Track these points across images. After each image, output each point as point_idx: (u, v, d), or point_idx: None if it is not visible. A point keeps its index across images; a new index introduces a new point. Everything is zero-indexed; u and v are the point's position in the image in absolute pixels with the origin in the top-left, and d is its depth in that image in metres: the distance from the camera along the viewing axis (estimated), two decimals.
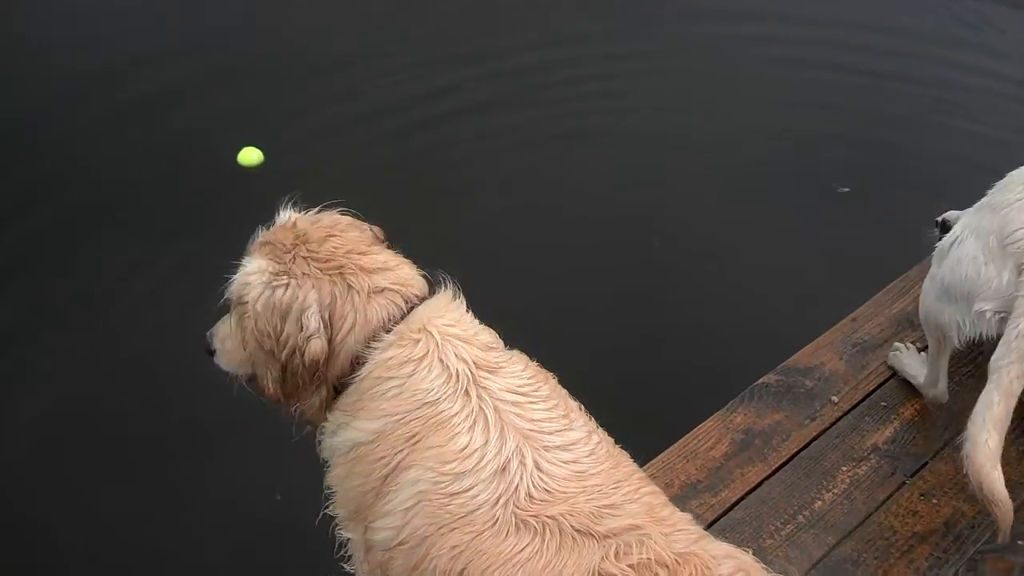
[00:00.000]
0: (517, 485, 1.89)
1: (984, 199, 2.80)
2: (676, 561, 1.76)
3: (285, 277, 2.11)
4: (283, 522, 3.27)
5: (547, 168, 4.98)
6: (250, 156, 4.41)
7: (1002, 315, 2.60)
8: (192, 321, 2.66)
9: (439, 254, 2.31)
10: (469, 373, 2.04)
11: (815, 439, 3.07)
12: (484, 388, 2.01)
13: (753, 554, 1.89)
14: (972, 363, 3.23)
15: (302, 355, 2.07)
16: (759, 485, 2.92)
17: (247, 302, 2.12)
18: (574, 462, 1.94)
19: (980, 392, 2.81)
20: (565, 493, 1.88)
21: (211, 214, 4.46)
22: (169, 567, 3.34)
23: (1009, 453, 2.88)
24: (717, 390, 3.30)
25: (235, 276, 2.18)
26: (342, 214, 2.28)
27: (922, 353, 3.24)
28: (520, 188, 4.87)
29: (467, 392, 2.01)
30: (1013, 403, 2.49)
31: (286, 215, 2.27)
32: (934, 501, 2.87)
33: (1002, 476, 2.43)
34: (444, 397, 2.00)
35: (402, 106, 5.33)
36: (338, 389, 2.13)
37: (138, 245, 4.42)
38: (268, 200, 2.29)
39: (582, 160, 5.05)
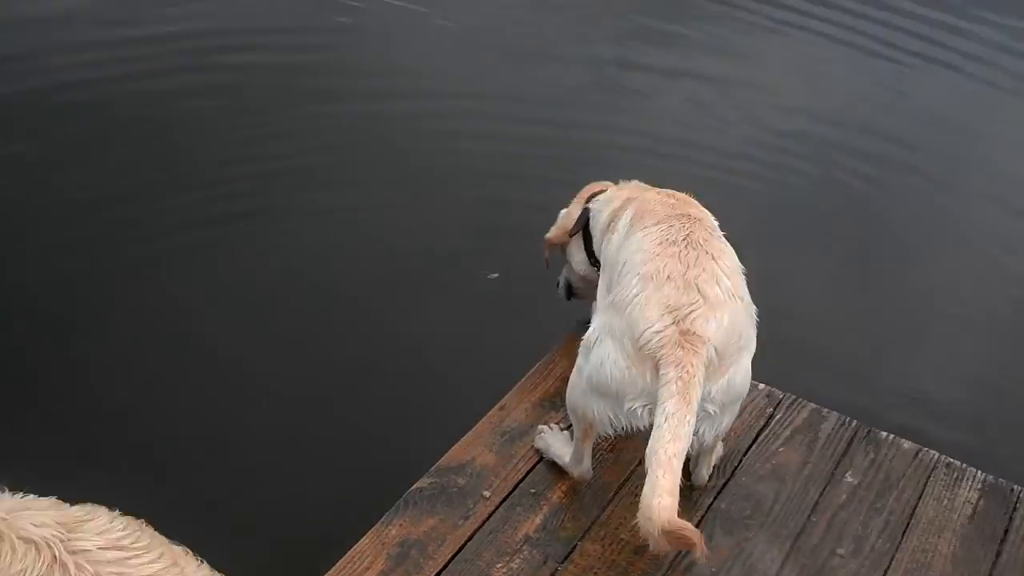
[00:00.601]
0: None
1: (610, 295, 2.92)
2: None
3: None
4: None
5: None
6: None
7: (650, 407, 2.75)
8: None
9: None
10: (57, 538, 1.82)
11: (470, 539, 3.09)
12: (81, 552, 1.80)
13: None
14: (611, 444, 3.38)
15: None
16: None
17: None
18: None
19: (619, 466, 3.17)
20: None
21: None
22: None
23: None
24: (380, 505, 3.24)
25: None
26: None
27: (565, 432, 3.37)
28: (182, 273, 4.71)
29: (63, 564, 1.81)
30: (678, 478, 2.63)
31: None
32: None
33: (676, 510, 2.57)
34: None
35: None
36: None
37: None
38: None
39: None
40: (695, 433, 2.69)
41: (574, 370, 3.04)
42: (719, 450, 3.31)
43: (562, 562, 3.04)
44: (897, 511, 3.27)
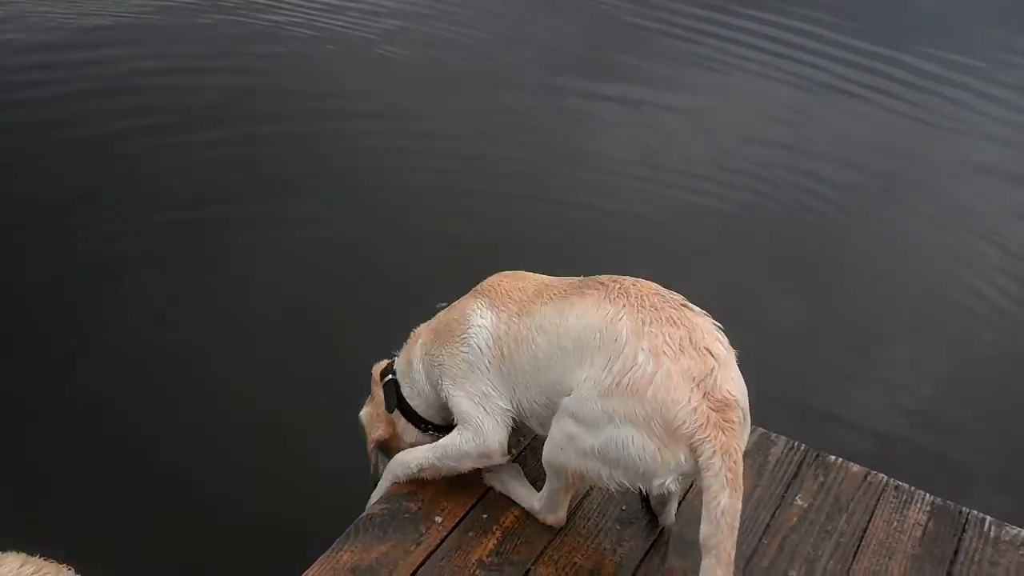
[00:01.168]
0: None
1: (606, 380, 2.74)
2: None
3: None
4: None
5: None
6: None
7: (681, 479, 2.76)
8: None
9: None
10: None
11: (422, 564, 3.05)
12: None
13: None
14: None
15: None
16: None
17: None
18: None
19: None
20: None
21: None
22: None
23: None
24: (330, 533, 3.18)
25: None
26: None
27: (515, 465, 3.34)
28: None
29: None
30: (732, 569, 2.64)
31: None
32: None
33: None
34: None
35: None
36: None
37: None
38: None
39: None
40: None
41: (561, 434, 2.87)
42: None
43: None
44: (848, 533, 3.29)
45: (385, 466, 3.43)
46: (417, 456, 3.27)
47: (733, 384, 2.69)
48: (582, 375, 2.81)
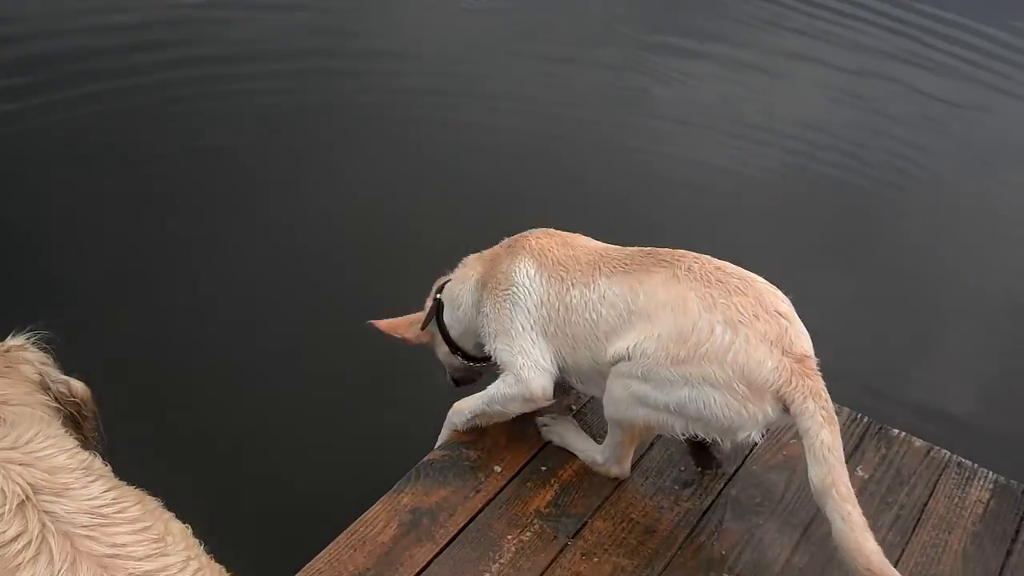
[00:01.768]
0: None
1: (680, 353, 2.82)
2: None
3: None
4: None
5: None
6: None
7: (763, 430, 2.87)
8: None
9: None
10: (25, 496, 1.84)
11: (481, 510, 3.09)
12: (48, 513, 1.80)
13: None
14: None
15: None
16: (428, 565, 2.89)
17: None
18: None
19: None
20: None
21: None
22: None
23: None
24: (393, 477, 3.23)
25: None
26: None
27: (570, 419, 3.40)
28: None
29: (25, 517, 1.81)
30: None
31: None
32: (595, 559, 2.96)
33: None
34: None
35: None
36: None
37: None
38: None
39: None
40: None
41: (624, 392, 2.93)
42: None
43: (572, 537, 3.03)
44: (908, 506, 3.27)
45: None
46: (470, 404, 3.32)
47: (803, 338, 2.81)
48: (650, 347, 2.86)
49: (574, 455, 3.30)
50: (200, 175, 5.32)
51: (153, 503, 2.03)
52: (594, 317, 3.01)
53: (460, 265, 3.50)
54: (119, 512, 1.86)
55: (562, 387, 3.30)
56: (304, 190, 5.37)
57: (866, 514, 3.08)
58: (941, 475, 3.40)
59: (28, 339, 2.43)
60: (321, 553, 2.87)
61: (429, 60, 6.90)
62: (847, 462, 3.24)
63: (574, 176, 5.84)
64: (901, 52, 7.99)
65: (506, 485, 3.19)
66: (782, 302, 2.86)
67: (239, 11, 7.02)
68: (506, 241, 3.36)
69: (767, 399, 2.75)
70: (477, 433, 3.36)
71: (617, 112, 6.69)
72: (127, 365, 3.97)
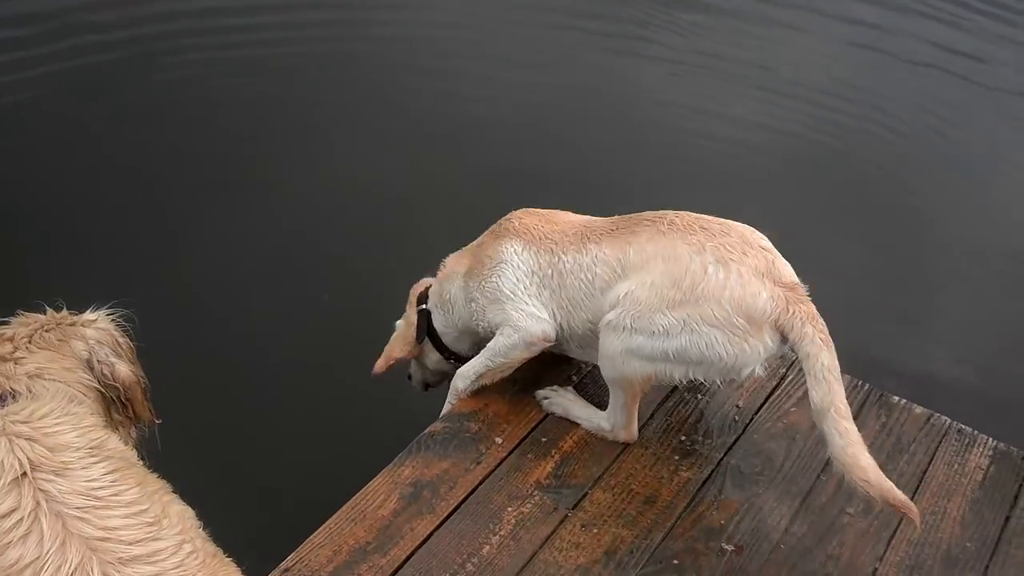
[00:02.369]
0: None
1: (675, 295, 2.90)
2: None
3: None
4: None
5: None
6: None
7: (765, 363, 2.96)
8: None
9: None
10: (22, 472, 1.86)
11: (481, 483, 3.10)
12: (43, 491, 1.82)
13: None
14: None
15: None
16: (428, 538, 2.91)
17: None
18: (157, 575, 1.79)
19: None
20: None
21: None
22: None
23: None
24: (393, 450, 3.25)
25: None
26: None
27: (570, 390, 3.39)
28: None
29: (20, 493, 1.82)
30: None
31: None
32: (594, 531, 2.98)
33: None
34: None
35: None
36: None
37: None
38: None
39: None
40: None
41: (618, 349, 2.99)
42: None
43: (572, 509, 3.05)
44: (908, 473, 3.28)
45: (418, 377, 3.70)
46: (474, 365, 3.36)
47: (788, 268, 2.95)
48: (643, 294, 2.95)
49: (574, 426, 3.31)
50: (188, 163, 5.31)
51: (155, 485, 2.04)
52: (589, 277, 3.10)
53: (441, 266, 3.53)
54: (115, 495, 1.88)
55: (562, 357, 3.31)
56: (297, 166, 5.37)
57: None
58: (941, 442, 3.41)
59: (105, 314, 2.46)
60: (321, 527, 2.89)
61: (427, 25, 6.85)
62: None
63: (574, 144, 5.80)
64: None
65: (506, 457, 3.20)
66: (762, 239, 3.00)
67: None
68: (487, 230, 3.39)
69: (766, 330, 2.84)
70: (478, 405, 3.37)
71: (613, 75, 6.63)
72: None
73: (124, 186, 5.05)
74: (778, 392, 3.54)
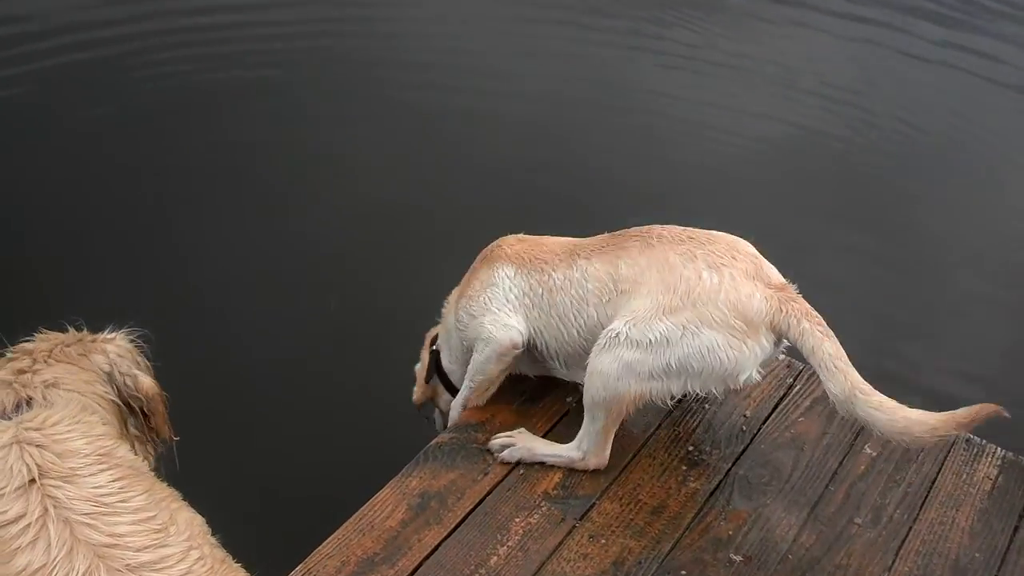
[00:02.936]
0: None
1: (672, 301, 2.93)
2: None
3: None
4: None
5: None
6: None
7: (762, 368, 2.97)
8: None
9: None
10: (31, 479, 1.88)
11: (488, 493, 3.10)
12: (51, 497, 1.83)
13: None
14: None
15: None
16: (436, 549, 2.91)
17: None
18: None
19: (636, 431, 3.06)
20: None
21: None
22: None
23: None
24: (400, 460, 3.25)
25: None
26: None
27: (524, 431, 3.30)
28: None
29: (28, 499, 1.84)
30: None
31: None
32: (602, 541, 2.98)
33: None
34: None
35: None
36: None
37: None
38: None
39: None
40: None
41: (614, 365, 2.95)
42: None
43: (580, 519, 3.05)
44: (916, 483, 3.27)
45: (439, 420, 3.72)
46: (461, 393, 3.41)
47: (775, 271, 3.01)
48: (637, 305, 2.96)
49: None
50: (187, 169, 5.34)
51: (163, 492, 2.05)
52: (580, 293, 3.12)
53: (444, 305, 3.55)
54: (122, 501, 1.89)
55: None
56: (308, 176, 5.39)
57: (874, 491, 3.15)
58: (949, 452, 3.40)
59: (121, 333, 2.50)
60: (329, 538, 2.89)
61: (435, 38, 6.88)
62: (856, 439, 3.28)
63: (587, 149, 5.81)
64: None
65: (514, 467, 3.20)
66: (748, 246, 3.06)
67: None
68: (479, 256, 3.42)
69: (762, 331, 2.88)
70: (485, 415, 3.38)
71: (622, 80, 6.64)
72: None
73: (120, 192, 5.06)
74: (785, 402, 3.53)
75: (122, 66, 6.04)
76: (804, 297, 2.96)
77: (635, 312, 2.96)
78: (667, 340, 2.90)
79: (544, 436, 3.32)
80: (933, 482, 3.29)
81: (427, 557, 2.87)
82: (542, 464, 3.21)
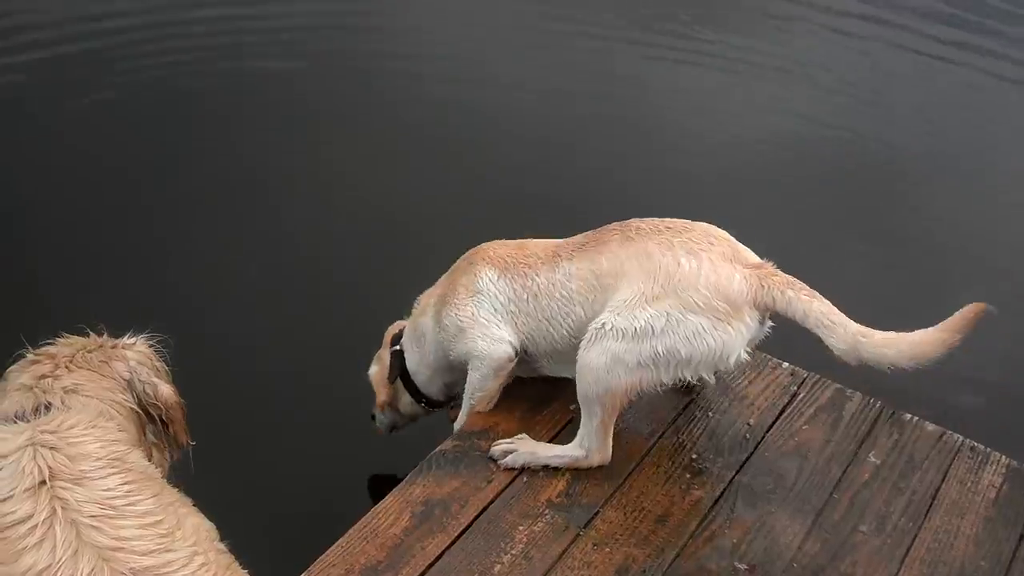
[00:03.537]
0: None
1: (654, 290, 2.97)
2: None
3: None
4: None
5: None
6: None
7: (748, 344, 3.01)
8: None
9: None
10: (41, 480, 1.89)
11: (492, 501, 3.10)
12: (61, 499, 1.85)
13: None
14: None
15: None
16: (440, 557, 2.90)
17: None
18: None
19: (639, 439, 3.07)
20: None
21: None
22: None
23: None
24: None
25: None
26: None
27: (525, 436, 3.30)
28: None
29: (37, 500, 1.85)
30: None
31: None
32: (606, 550, 2.97)
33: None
34: (4, 499, 1.87)
35: None
36: None
37: None
38: None
39: None
40: None
41: (602, 358, 2.97)
42: None
43: (584, 527, 3.04)
44: (920, 491, 3.26)
45: (386, 421, 3.73)
46: (463, 412, 3.43)
47: (751, 252, 3.07)
48: (621, 297, 3.00)
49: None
50: (186, 175, 5.36)
51: (171, 497, 2.06)
52: (565, 293, 3.16)
53: (414, 305, 3.55)
54: (129, 505, 1.90)
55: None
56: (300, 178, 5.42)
57: (878, 499, 3.15)
58: (954, 460, 3.39)
59: (141, 338, 2.52)
60: (333, 546, 2.89)
61: (445, 41, 6.90)
62: (859, 448, 3.28)
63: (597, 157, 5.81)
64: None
65: (518, 475, 3.20)
66: (723, 232, 3.10)
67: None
68: (460, 259, 3.43)
69: (746, 310, 2.92)
70: (489, 423, 3.37)
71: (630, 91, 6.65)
72: None
73: (118, 199, 5.09)
74: (789, 410, 3.53)
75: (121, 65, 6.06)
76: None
77: (619, 304, 3.00)
78: (652, 328, 2.93)
79: (548, 443, 3.31)
80: (937, 490, 3.28)
81: (431, 565, 2.87)
82: (546, 471, 3.20)
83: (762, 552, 3.01)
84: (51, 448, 1.95)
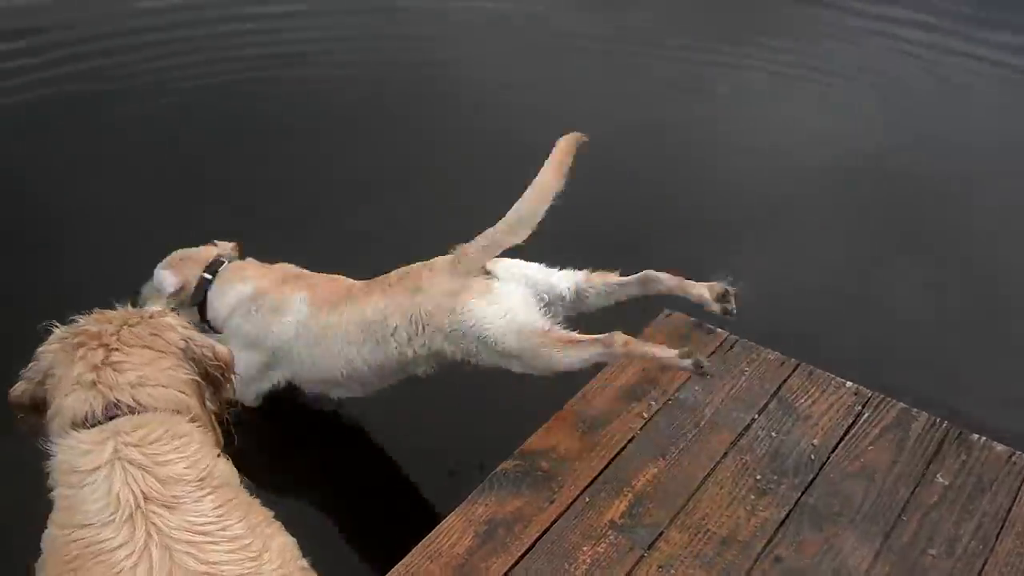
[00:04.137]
0: None
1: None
2: None
3: None
4: None
5: None
6: None
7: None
8: None
9: None
10: (136, 506, 1.90)
11: (555, 521, 3.08)
12: (153, 524, 1.86)
13: None
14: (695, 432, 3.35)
15: None
16: None
17: None
18: None
19: (704, 458, 2.97)
20: None
21: None
22: None
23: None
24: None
25: None
26: None
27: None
28: None
29: (133, 526, 1.86)
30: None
31: None
32: (671, 571, 2.94)
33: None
34: (104, 524, 1.86)
35: None
36: None
37: None
38: None
39: None
40: None
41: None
42: None
43: (648, 549, 3.01)
44: (991, 514, 3.19)
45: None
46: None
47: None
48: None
49: (647, 464, 3.29)
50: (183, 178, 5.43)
51: (258, 517, 2.06)
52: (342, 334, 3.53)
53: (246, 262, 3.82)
54: (221, 529, 1.91)
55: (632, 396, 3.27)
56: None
57: (947, 522, 3.08)
58: None
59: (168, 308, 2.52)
60: (397, 565, 2.89)
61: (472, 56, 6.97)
62: (927, 469, 3.22)
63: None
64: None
65: (580, 495, 3.18)
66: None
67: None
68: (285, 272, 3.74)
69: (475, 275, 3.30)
70: (549, 443, 3.36)
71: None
72: None
73: (116, 202, 5.14)
74: (854, 430, 3.48)
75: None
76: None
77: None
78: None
79: (607, 465, 3.30)
80: (1008, 512, 3.21)
81: None
82: (608, 492, 3.19)
83: (830, 575, 2.95)
84: (140, 468, 1.95)
